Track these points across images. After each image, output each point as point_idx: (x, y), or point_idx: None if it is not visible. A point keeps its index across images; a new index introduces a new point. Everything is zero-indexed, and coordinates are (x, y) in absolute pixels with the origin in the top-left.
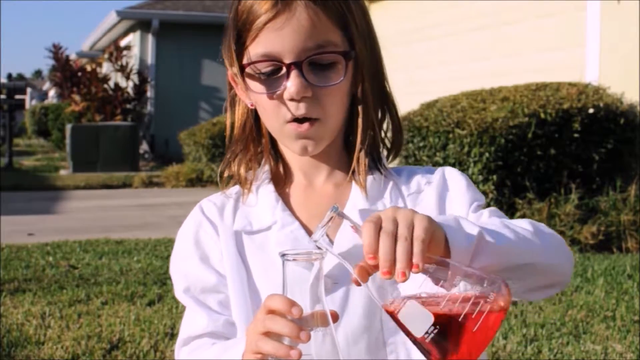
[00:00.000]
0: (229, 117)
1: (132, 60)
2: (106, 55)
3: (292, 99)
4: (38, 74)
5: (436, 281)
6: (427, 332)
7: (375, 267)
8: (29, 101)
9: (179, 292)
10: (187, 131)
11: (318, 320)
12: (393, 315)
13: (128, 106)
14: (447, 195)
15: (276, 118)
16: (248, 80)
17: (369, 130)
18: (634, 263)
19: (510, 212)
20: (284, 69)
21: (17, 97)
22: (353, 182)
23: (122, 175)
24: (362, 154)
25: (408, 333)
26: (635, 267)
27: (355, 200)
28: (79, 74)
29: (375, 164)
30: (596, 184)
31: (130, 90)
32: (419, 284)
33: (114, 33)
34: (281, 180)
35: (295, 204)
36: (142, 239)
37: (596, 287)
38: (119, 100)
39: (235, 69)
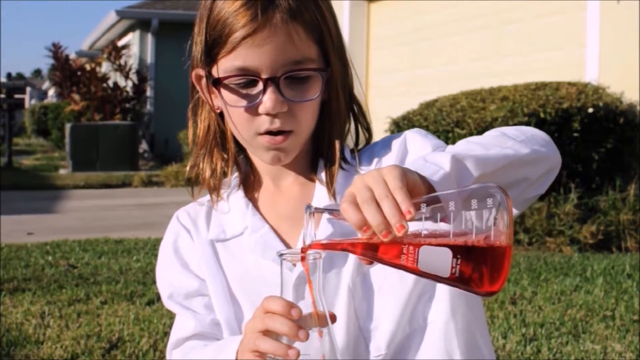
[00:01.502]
0: (192, 125)
1: (132, 59)
2: (105, 55)
3: (267, 114)
4: (37, 73)
5: (436, 220)
6: (452, 267)
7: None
8: (29, 100)
9: (164, 299)
10: (186, 130)
11: (315, 320)
12: (415, 271)
13: (127, 105)
14: (407, 158)
15: (248, 129)
16: (220, 89)
17: (338, 139)
18: (633, 262)
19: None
20: (260, 83)
21: (17, 96)
22: (317, 181)
23: (121, 174)
24: (334, 165)
25: (437, 279)
26: (635, 267)
27: (320, 198)
28: (79, 73)
29: (339, 163)
30: (596, 184)
31: (129, 89)
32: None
33: (113, 32)
34: (250, 185)
35: (264, 208)
36: (142, 238)
37: (595, 287)
38: (118, 99)
39: (202, 72)
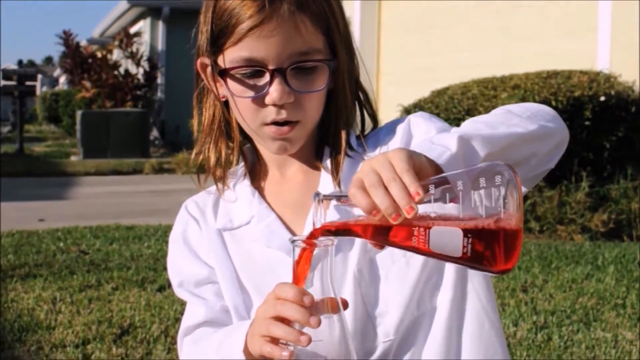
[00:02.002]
0: (197, 113)
1: (143, 47)
2: (117, 42)
3: (274, 104)
4: (49, 60)
5: (445, 201)
6: (464, 247)
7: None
8: (40, 88)
9: (175, 288)
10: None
11: (328, 306)
12: (426, 252)
13: (138, 93)
14: (412, 142)
15: (255, 119)
16: (226, 79)
17: (344, 127)
18: None
19: None
20: (267, 74)
21: (28, 83)
22: (322, 169)
23: (132, 161)
24: (339, 153)
25: (449, 259)
26: None
27: (325, 186)
28: (90, 60)
29: (345, 151)
30: (607, 172)
31: (140, 76)
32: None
33: (124, 20)
34: (257, 174)
35: (270, 197)
36: (153, 224)
37: (606, 275)
38: (129, 86)
39: (207, 60)
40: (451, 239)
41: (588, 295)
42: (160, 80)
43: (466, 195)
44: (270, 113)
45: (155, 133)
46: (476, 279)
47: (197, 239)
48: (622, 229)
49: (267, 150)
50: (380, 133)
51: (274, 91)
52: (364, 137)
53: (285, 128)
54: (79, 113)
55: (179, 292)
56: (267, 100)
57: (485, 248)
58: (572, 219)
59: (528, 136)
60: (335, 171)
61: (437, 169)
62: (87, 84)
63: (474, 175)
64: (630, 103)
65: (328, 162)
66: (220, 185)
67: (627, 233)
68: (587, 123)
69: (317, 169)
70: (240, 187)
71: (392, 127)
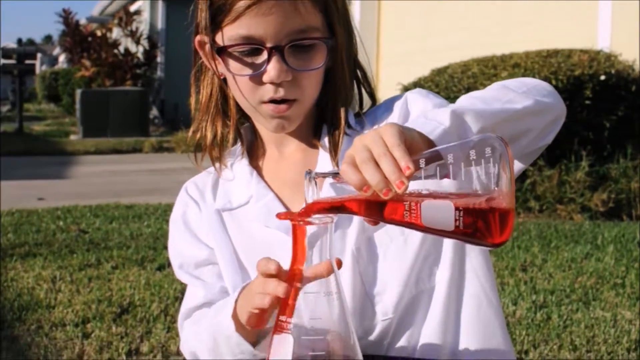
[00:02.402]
0: (194, 91)
1: (142, 25)
2: (116, 21)
3: (272, 82)
4: (48, 39)
5: (437, 177)
6: (456, 220)
7: (376, 199)
8: (39, 66)
9: (176, 270)
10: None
11: (324, 282)
12: (419, 227)
13: (138, 71)
14: (409, 119)
15: (252, 97)
16: (224, 57)
17: (342, 106)
18: None
19: (520, 178)
20: (265, 52)
21: (27, 62)
22: (320, 148)
23: (132, 140)
24: (337, 131)
25: (443, 233)
26: None
27: (323, 164)
28: (89, 39)
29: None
30: (607, 151)
31: (140, 55)
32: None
33: None
34: (255, 153)
35: (268, 176)
36: (152, 203)
37: (606, 255)
38: (129, 65)
39: (206, 38)
40: (443, 212)
41: (587, 274)
42: (159, 58)
43: (457, 168)
44: (268, 91)
45: (154, 112)
46: (475, 258)
47: (197, 221)
48: (622, 209)
49: (265, 129)
50: (378, 111)
51: (272, 69)
52: (363, 115)
53: (283, 106)
54: (78, 92)
55: (179, 274)
56: (265, 78)
57: (477, 221)
58: (572, 199)
59: (523, 111)
60: (333, 149)
61: (429, 144)
62: (87, 62)
63: (465, 148)
64: (631, 82)
65: (326, 141)
66: (217, 164)
67: (627, 212)
68: (587, 102)
69: (316, 147)
70: (238, 167)
71: (389, 104)
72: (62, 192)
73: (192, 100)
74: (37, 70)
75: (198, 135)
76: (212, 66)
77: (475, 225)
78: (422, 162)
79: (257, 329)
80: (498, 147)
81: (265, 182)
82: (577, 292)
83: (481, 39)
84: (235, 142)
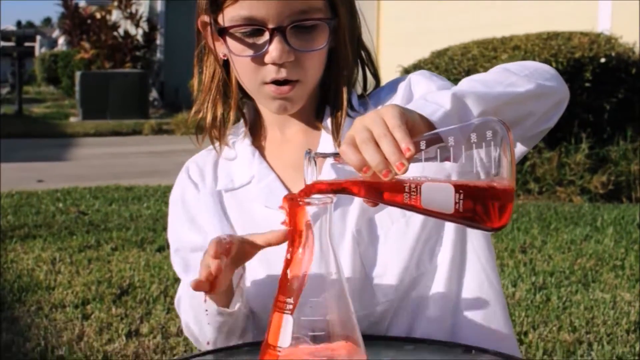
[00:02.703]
0: (197, 72)
1: (142, 7)
2: (116, 3)
3: (274, 63)
4: (47, 21)
5: (437, 159)
6: (455, 203)
7: (376, 180)
8: (39, 49)
9: (172, 253)
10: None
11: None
12: (418, 209)
13: (137, 54)
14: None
15: (255, 78)
16: (226, 38)
17: (346, 86)
18: None
19: (520, 160)
20: (267, 33)
21: (27, 44)
22: (323, 129)
23: (131, 122)
24: (339, 113)
25: (442, 216)
26: None
27: (325, 146)
28: (89, 21)
29: (347, 111)
30: (607, 134)
31: (139, 37)
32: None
33: None
34: (257, 134)
35: (270, 157)
36: (152, 185)
37: (605, 237)
38: (128, 47)
39: (207, 19)
40: (443, 195)
41: (587, 256)
42: (159, 41)
43: (458, 152)
44: (270, 72)
45: (154, 94)
46: (476, 240)
47: (195, 203)
48: (622, 191)
49: (267, 110)
50: (382, 92)
51: (274, 50)
52: (366, 96)
53: (285, 87)
54: (78, 74)
55: (173, 259)
56: (267, 59)
57: (476, 204)
58: (572, 181)
59: (525, 94)
60: (336, 131)
61: (430, 126)
62: (86, 45)
63: (466, 131)
64: (631, 65)
65: (329, 122)
66: (217, 144)
67: (626, 195)
68: (587, 85)
69: (318, 129)
70: (240, 147)
71: (393, 86)
72: (62, 174)
73: (195, 81)
74: (37, 52)
75: (200, 116)
76: (214, 47)
77: (475, 209)
78: (422, 144)
79: (210, 293)
80: (499, 130)
81: (267, 162)
82: (576, 273)
83: (481, 21)
84: (236, 122)
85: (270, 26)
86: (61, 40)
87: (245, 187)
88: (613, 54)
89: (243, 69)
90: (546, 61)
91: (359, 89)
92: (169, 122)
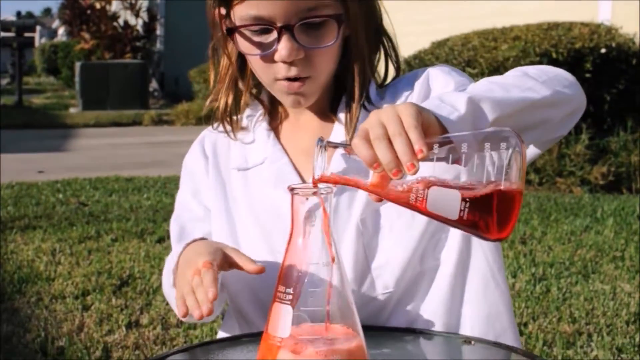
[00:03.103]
0: (213, 62)
1: None
2: None
3: (283, 61)
4: (47, 11)
5: (448, 161)
6: (461, 210)
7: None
8: (39, 39)
9: (173, 217)
10: (197, 69)
11: (327, 254)
12: (423, 211)
13: (138, 44)
14: (430, 96)
15: (266, 75)
16: (235, 36)
17: (361, 77)
18: None
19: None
20: (275, 31)
21: (27, 35)
22: (336, 121)
23: (131, 113)
24: (354, 103)
25: (445, 221)
26: None
27: (338, 136)
28: (89, 11)
29: (362, 102)
30: (607, 125)
31: (139, 28)
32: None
33: None
34: (275, 117)
35: (284, 140)
36: (152, 176)
37: (605, 228)
38: (128, 38)
39: (222, 10)
40: (449, 200)
41: (587, 247)
42: (159, 31)
43: (469, 159)
44: (281, 70)
45: (154, 85)
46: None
47: (201, 177)
48: (622, 182)
49: None
50: (399, 84)
51: (283, 49)
52: (385, 86)
53: (297, 83)
54: (78, 65)
55: (172, 225)
56: (277, 57)
57: (482, 213)
58: (572, 172)
59: (542, 101)
60: (349, 123)
61: (444, 128)
62: (86, 35)
63: (479, 139)
64: (631, 55)
65: (342, 114)
66: (230, 131)
67: (627, 186)
68: (587, 75)
69: (332, 119)
70: (258, 129)
71: (411, 79)
72: (62, 165)
73: (211, 73)
74: (37, 43)
75: (216, 105)
76: (225, 41)
77: (479, 218)
78: (435, 147)
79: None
80: (513, 142)
81: (282, 145)
82: (576, 264)
83: (481, 11)
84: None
85: (279, 24)
86: (61, 31)
87: (257, 167)
88: (613, 44)
89: (255, 66)
90: (546, 52)
91: (378, 78)
92: (169, 113)
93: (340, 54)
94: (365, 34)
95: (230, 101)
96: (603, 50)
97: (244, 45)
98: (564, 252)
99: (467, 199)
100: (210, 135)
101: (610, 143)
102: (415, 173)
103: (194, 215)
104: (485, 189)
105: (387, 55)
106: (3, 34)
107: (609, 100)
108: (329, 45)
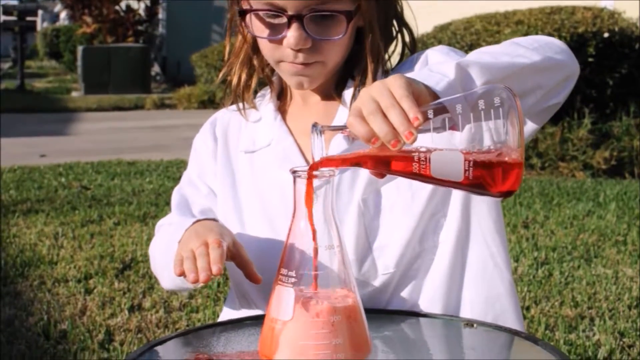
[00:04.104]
0: (229, 36)
1: None
2: None
3: (291, 49)
4: None
5: (445, 129)
6: (465, 170)
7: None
8: (40, 23)
9: (175, 189)
10: (198, 53)
11: (330, 236)
12: (428, 178)
13: (140, 28)
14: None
15: (273, 57)
16: (248, 18)
17: (373, 64)
18: None
19: None
20: (286, 18)
21: (29, 19)
22: (342, 104)
23: (133, 97)
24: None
25: (451, 184)
26: None
27: (341, 118)
28: None
29: None
30: (609, 109)
31: (141, 11)
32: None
33: None
34: (283, 99)
35: (291, 122)
36: (154, 160)
37: (608, 212)
38: (130, 22)
39: None
40: (452, 163)
41: (589, 231)
42: (161, 15)
43: (466, 121)
44: (288, 55)
45: (156, 68)
46: (483, 220)
47: (208, 159)
48: (624, 166)
49: None
50: (403, 67)
51: (291, 37)
52: (390, 71)
53: (302, 65)
54: (80, 49)
55: (174, 194)
56: (285, 43)
57: (486, 170)
58: (574, 156)
59: (532, 67)
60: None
61: (435, 96)
62: (88, 19)
63: (472, 99)
64: (634, 40)
65: (348, 96)
66: (242, 107)
67: (629, 170)
68: (590, 60)
69: (339, 102)
70: (265, 109)
71: (412, 61)
72: (64, 148)
73: (227, 45)
74: (38, 27)
75: (229, 79)
76: (240, 22)
77: (484, 175)
78: (430, 113)
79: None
80: (506, 97)
81: (288, 127)
82: (578, 249)
83: None
84: (262, 85)
85: (289, 13)
86: (63, 15)
87: (264, 149)
88: (616, 29)
89: (263, 47)
90: (549, 36)
91: (387, 64)
92: (171, 97)
93: (352, 42)
94: (381, 26)
95: (244, 77)
96: (606, 35)
97: (254, 27)
98: (566, 236)
99: (470, 159)
100: (223, 118)
101: (612, 127)
102: (414, 141)
103: (196, 191)
104: (485, 145)
105: (404, 46)
106: (5, 18)
107: (612, 84)
108: (337, 38)
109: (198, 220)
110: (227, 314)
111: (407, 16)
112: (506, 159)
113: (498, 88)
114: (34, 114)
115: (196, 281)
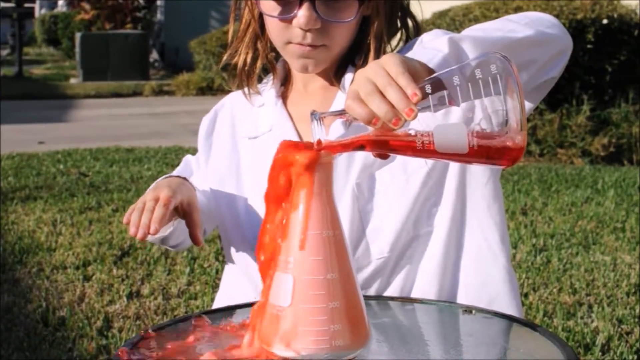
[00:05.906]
0: (234, 17)
1: None
2: None
3: (300, 28)
4: None
5: (442, 103)
6: (470, 141)
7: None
8: (38, 10)
9: (185, 157)
10: (197, 39)
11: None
12: (433, 154)
13: (138, 14)
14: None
15: (281, 38)
16: None
17: (376, 54)
18: None
19: None
20: None
21: (27, 5)
22: (340, 90)
23: (132, 83)
24: None
25: (457, 158)
26: None
27: (339, 104)
28: None
29: None
30: (608, 96)
31: None
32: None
33: None
34: (285, 84)
35: (291, 108)
36: (153, 147)
37: (606, 199)
38: (129, 8)
39: None
40: (456, 134)
41: (587, 218)
42: (159, 2)
43: (464, 93)
44: (297, 36)
45: (155, 55)
46: (477, 205)
47: (219, 142)
48: (623, 153)
49: None
50: (401, 53)
51: (302, 16)
52: None
53: (308, 47)
54: (78, 35)
55: (180, 165)
56: (294, 23)
57: (490, 137)
58: (573, 143)
59: (525, 40)
60: None
61: (430, 72)
62: (86, 5)
63: (469, 70)
64: (633, 26)
65: (347, 82)
66: (246, 90)
67: (628, 157)
68: (589, 46)
69: (334, 84)
70: (267, 95)
71: (409, 47)
72: (63, 135)
73: (231, 26)
74: (37, 13)
75: (234, 60)
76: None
77: (490, 144)
78: (428, 88)
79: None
80: (500, 64)
81: (288, 112)
82: (577, 236)
83: None
84: (263, 73)
85: None
86: (61, 1)
87: (266, 134)
88: (615, 15)
89: (272, 27)
90: None
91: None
92: (170, 84)
93: (357, 30)
94: (387, 15)
95: (249, 59)
96: (605, 21)
97: (264, 5)
98: (564, 223)
99: (473, 130)
100: (231, 104)
101: (611, 114)
102: (415, 118)
103: (197, 167)
104: (487, 112)
105: (407, 37)
106: (3, 5)
107: (611, 71)
108: (347, 21)
109: (170, 176)
110: (223, 295)
111: (413, 9)
112: (510, 123)
113: (492, 55)
114: (32, 100)
115: (134, 235)
